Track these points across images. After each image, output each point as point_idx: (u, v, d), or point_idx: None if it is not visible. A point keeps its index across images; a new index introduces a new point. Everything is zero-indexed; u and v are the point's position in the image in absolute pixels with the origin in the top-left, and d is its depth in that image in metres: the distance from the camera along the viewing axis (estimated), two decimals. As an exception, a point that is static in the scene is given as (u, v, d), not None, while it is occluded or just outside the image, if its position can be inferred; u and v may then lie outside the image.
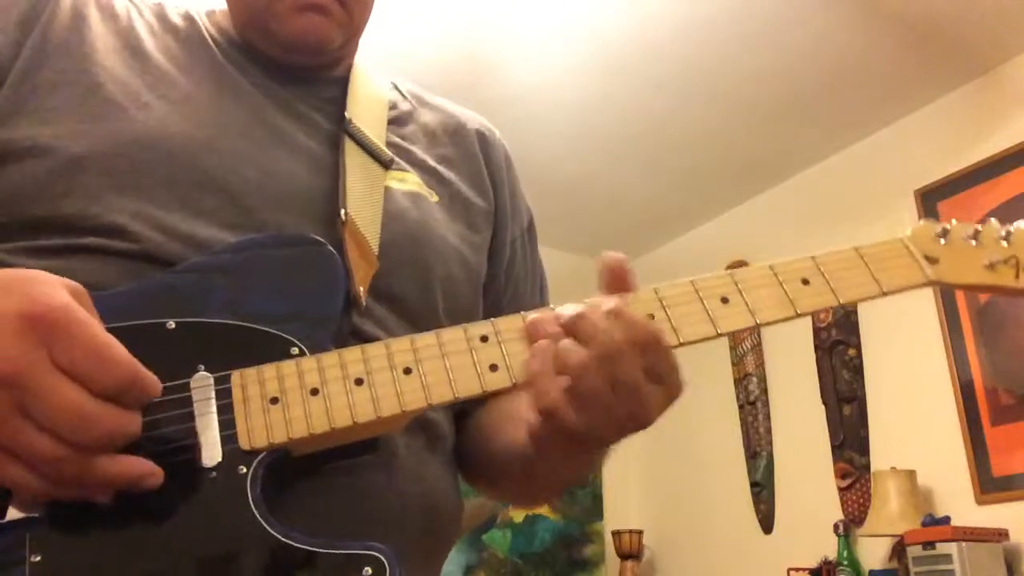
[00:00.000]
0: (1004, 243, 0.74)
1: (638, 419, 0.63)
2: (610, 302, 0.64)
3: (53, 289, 0.57)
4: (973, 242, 0.74)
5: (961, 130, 3.17)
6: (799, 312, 0.68)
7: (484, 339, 0.66)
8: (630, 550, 3.91)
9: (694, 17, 2.86)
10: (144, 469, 0.58)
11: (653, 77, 3.14)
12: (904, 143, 3.36)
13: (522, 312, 0.67)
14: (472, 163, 0.95)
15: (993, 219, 0.76)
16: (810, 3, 2.80)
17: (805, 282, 0.69)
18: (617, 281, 0.67)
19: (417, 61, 2.94)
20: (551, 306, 0.68)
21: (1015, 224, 0.75)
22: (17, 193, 0.73)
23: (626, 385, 0.62)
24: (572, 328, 0.63)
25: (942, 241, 0.74)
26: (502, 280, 0.95)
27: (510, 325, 0.66)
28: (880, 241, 0.73)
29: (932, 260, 0.73)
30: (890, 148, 3.40)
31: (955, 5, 2.78)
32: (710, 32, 2.92)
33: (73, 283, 0.59)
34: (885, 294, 0.70)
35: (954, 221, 0.75)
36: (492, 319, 0.67)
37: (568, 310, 0.64)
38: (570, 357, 0.61)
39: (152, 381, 0.59)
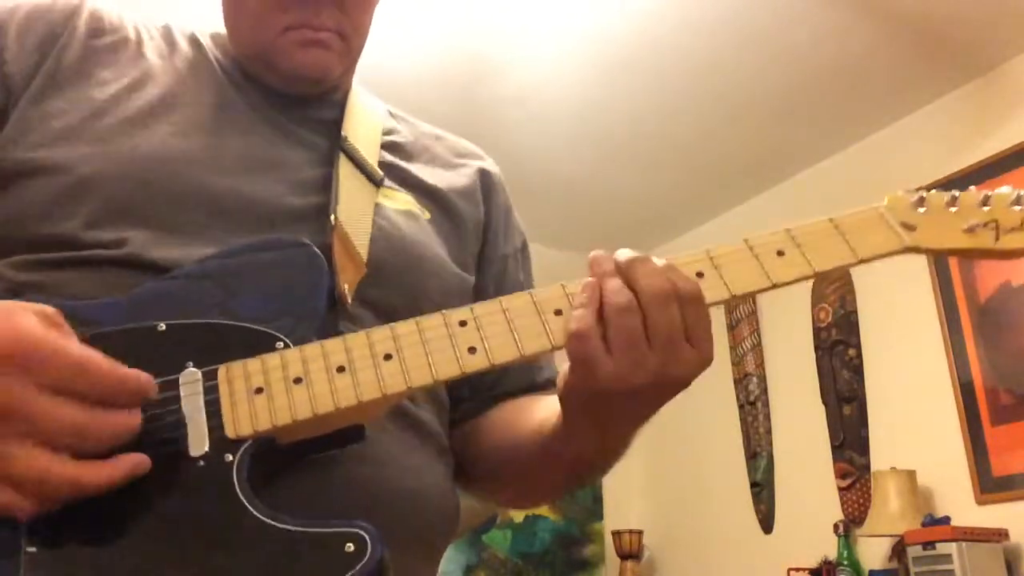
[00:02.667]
0: (984, 207, 0.75)
1: (670, 375, 0.64)
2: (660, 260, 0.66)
3: (20, 319, 0.59)
4: (952, 208, 0.75)
5: (961, 130, 3.17)
6: (775, 283, 0.70)
7: (463, 324, 0.68)
8: (630, 550, 3.91)
9: (694, 17, 2.86)
10: (131, 466, 0.60)
11: (653, 77, 3.15)
12: (904, 143, 3.36)
13: (499, 298, 0.69)
14: (466, 181, 0.98)
15: (972, 187, 0.78)
16: (810, 3, 2.80)
17: (780, 254, 0.71)
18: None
19: (417, 62, 2.94)
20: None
21: (996, 189, 0.77)
22: (23, 212, 0.76)
23: (662, 336, 0.63)
24: (625, 269, 0.65)
25: (920, 209, 0.75)
26: (491, 292, 0.96)
27: (488, 309, 0.69)
28: (855, 211, 0.74)
29: (909, 227, 0.74)
30: (890, 148, 3.41)
31: (955, 5, 2.78)
32: (710, 32, 2.92)
33: (41, 306, 0.62)
34: (861, 261, 0.72)
35: (933, 191, 0.77)
36: (471, 305, 0.69)
37: (625, 254, 0.66)
38: (616, 296, 0.64)
39: (138, 379, 0.62)
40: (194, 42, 0.93)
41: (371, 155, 0.91)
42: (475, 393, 0.91)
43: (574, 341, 0.64)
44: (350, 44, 0.90)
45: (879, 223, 0.74)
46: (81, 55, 0.84)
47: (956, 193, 0.76)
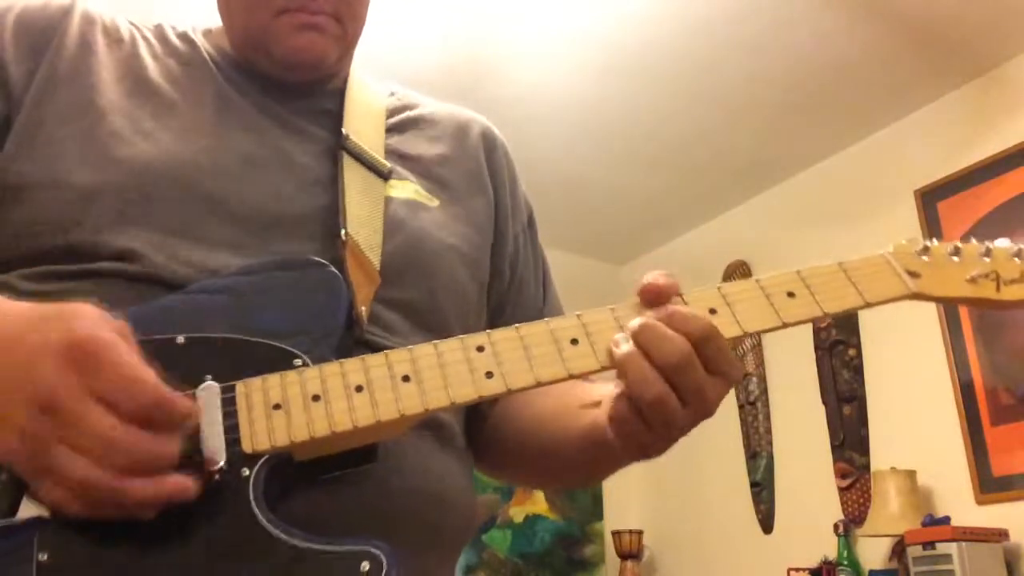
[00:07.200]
0: (985, 259, 0.78)
1: (700, 415, 0.69)
2: (662, 309, 0.68)
3: (94, 323, 0.60)
4: (955, 258, 0.78)
5: (961, 130, 3.17)
6: (785, 322, 0.72)
7: (480, 349, 0.69)
8: (630, 550, 3.91)
9: (694, 18, 2.86)
10: (175, 488, 0.60)
11: (653, 77, 3.15)
12: (904, 143, 3.36)
13: (516, 325, 0.71)
14: (473, 163, 0.97)
15: (974, 238, 0.81)
16: (810, 3, 2.80)
17: (791, 295, 0.73)
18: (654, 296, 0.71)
19: (418, 61, 2.94)
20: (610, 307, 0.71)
21: (995, 242, 0.79)
22: (30, 225, 0.76)
23: (691, 390, 0.66)
24: (637, 339, 0.67)
25: (924, 257, 0.77)
26: (507, 275, 0.97)
27: (505, 335, 0.70)
28: (862, 257, 0.77)
29: (914, 275, 0.76)
30: (890, 148, 3.41)
31: (955, 5, 2.78)
32: (710, 32, 2.92)
33: (117, 321, 0.62)
34: (868, 305, 0.74)
35: (935, 240, 0.79)
36: (488, 331, 0.70)
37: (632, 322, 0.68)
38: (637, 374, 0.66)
39: (178, 403, 0.61)
40: (187, 40, 0.91)
41: (376, 146, 0.90)
42: None
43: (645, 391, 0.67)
44: (346, 29, 0.89)
45: (886, 269, 0.76)
46: (75, 61, 0.83)
47: (959, 244, 0.78)
